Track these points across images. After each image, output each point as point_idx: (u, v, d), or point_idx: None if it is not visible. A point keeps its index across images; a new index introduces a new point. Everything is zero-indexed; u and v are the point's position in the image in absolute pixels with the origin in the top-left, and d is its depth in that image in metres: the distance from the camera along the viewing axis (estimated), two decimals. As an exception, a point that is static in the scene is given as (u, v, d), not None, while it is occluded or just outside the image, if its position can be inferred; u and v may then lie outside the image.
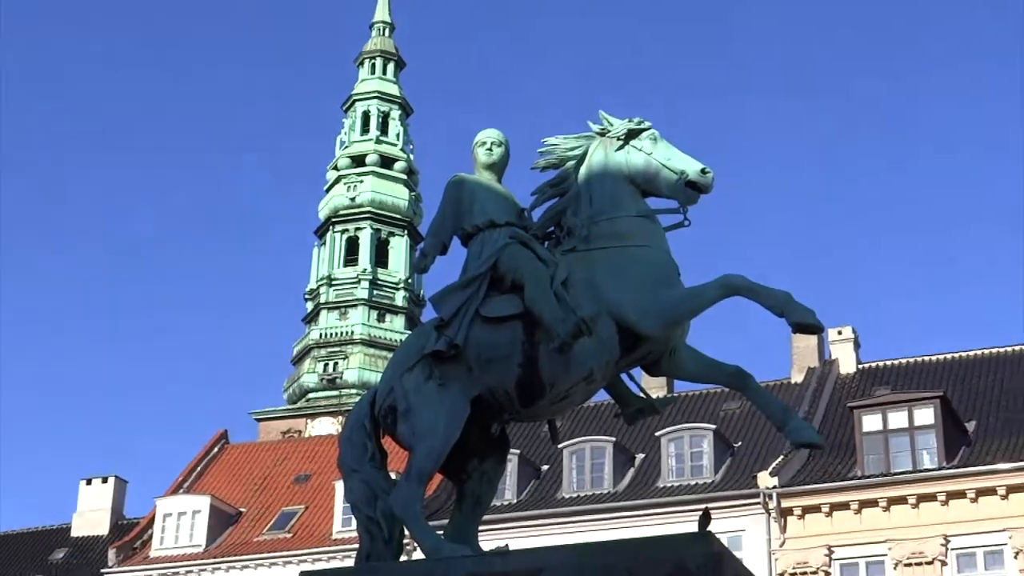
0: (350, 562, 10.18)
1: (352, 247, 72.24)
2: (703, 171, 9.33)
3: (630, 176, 9.50)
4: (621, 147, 9.58)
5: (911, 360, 43.72)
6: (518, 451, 37.76)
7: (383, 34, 77.54)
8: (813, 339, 41.77)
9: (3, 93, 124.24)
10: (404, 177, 74.04)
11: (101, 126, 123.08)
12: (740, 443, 40.46)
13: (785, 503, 37.16)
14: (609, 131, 9.66)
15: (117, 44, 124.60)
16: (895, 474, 36.70)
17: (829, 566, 36.61)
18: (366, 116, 75.00)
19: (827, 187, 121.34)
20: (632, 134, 9.58)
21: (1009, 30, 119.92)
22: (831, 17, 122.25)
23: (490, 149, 9.94)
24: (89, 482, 51.51)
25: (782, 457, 37.74)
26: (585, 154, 9.67)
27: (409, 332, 55.66)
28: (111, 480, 51.38)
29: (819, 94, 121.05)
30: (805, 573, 36.55)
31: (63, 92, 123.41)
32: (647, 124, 9.62)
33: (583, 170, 9.64)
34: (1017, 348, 42.52)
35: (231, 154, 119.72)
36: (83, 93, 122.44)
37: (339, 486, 39.50)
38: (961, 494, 36.02)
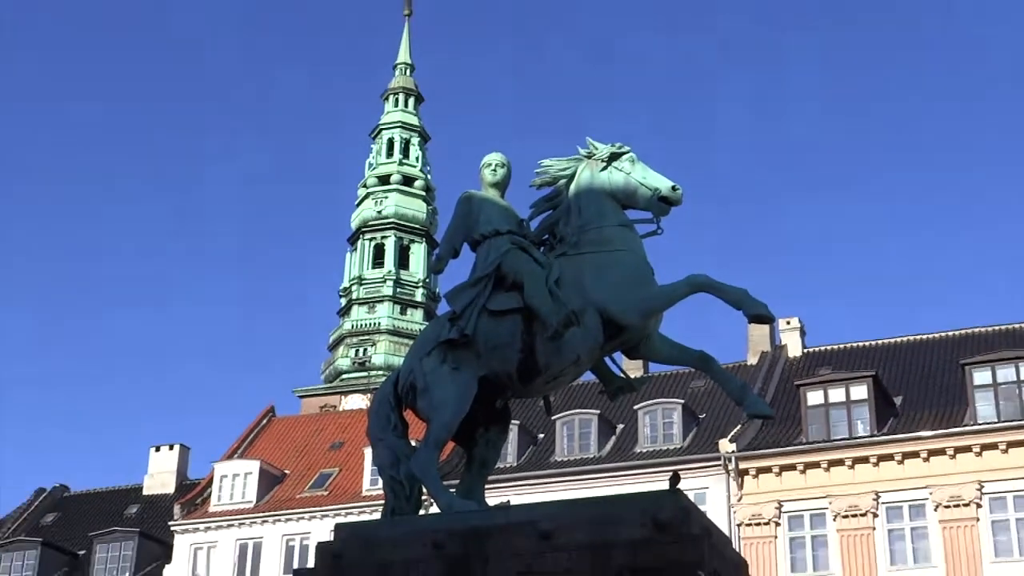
0: (378, 515, 10.19)
1: (379, 252, 72.30)
2: (673, 188, 9.38)
3: (612, 192, 9.53)
4: (604, 168, 9.61)
5: (848, 345, 43.75)
6: (518, 422, 37.74)
7: (405, 73, 77.52)
8: (766, 328, 41.73)
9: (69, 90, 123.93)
10: (423, 193, 74.10)
11: (187, 142, 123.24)
12: (704, 415, 40.45)
13: (742, 465, 37.16)
14: (594, 154, 9.70)
15: (186, 78, 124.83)
16: (834, 440, 36.69)
17: (779, 518, 36.63)
18: (391, 142, 75.01)
19: (781, 198, 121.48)
20: (614, 157, 9.62)
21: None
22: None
23: (495, 170, 9.99)
24: (158, 449, 51.56)
25: (740, 426, 37.73)
26: (574, 174, 9.71)
27: (427, 323, 55.85)
28: (176, 447, 51.42)
29: (772, 96, 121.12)
30: (759, 524, 36.56)
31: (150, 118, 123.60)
32: (627, 148, 9.67)
33: (573, 187, 9.67)
34: (937, 335, 42.56)
35: (278, 176, 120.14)
36: (168, 113, 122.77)
37: (368, 452, 39.57)
38: (890, 457, 36.03)
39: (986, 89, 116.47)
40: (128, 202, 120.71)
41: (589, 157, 9.72)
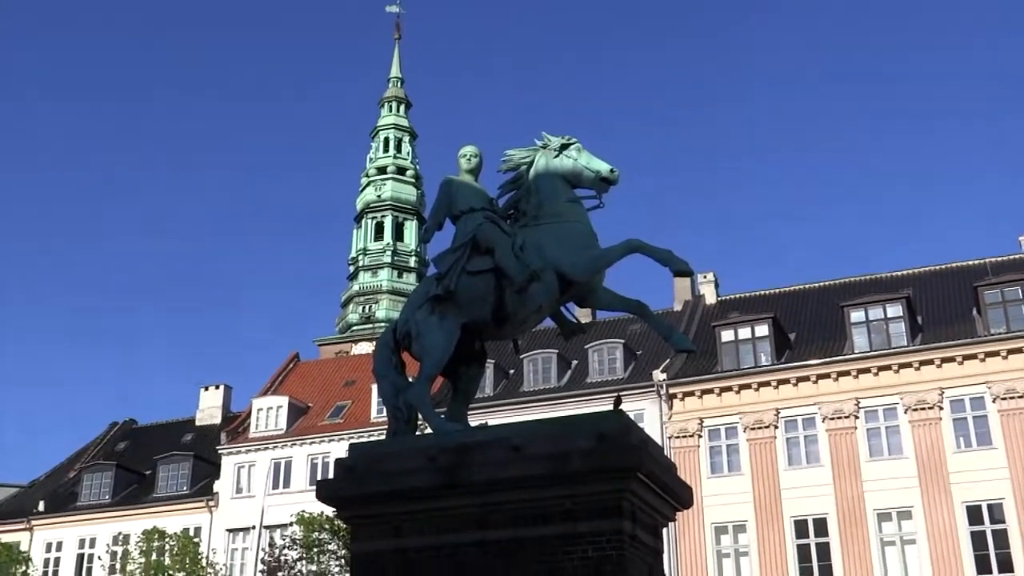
0: (383, 437, 10.19)
1: (379, 228, 72.12)
2: (611, 171, 9.33)
3: (563, 175, 9.47)
4: (557, 155, 9.54)
5: (752, 294, 43.91)
6: (493, 360, 37.82)
7: (397, 85, 77.12)
8: (687, 280, 41.90)
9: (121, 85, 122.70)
10: (413, 180, 73.85)
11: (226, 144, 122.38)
12: (641, 351, 40.59)
13: (671, 390, 37.33)
14: (548, 145, 9.64)
15: (225, 84, 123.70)
16: (743, 369, 36.88)
17: (701, 431, 36.83)
18: (387, 140, 74.69)
19: (695, 177, 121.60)
20: (564, 146, 9.56)
21: None
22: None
23: (469, 159, 9.93)
24: (207, 388, 51.40)
25: (669, 360, 37.89)
26: (533, 161, 9.64)
27: (419, 283, 55.62)
28: (221, 387, 51.25)
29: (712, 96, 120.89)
30: (685, 436, 36.74)
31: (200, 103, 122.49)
32: (574, 140, 9.60)
33: (531, 172, 9.60)
34: (821, 284, 42.78)
35: (300, 168, 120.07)
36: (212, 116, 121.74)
37: (374, 388, 39.53)
38: (787, 381, 36.25)
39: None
40: (208, 190, 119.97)
41: (544, 147, 9.64)
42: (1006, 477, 33.09)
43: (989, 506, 33.14)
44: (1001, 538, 32.67)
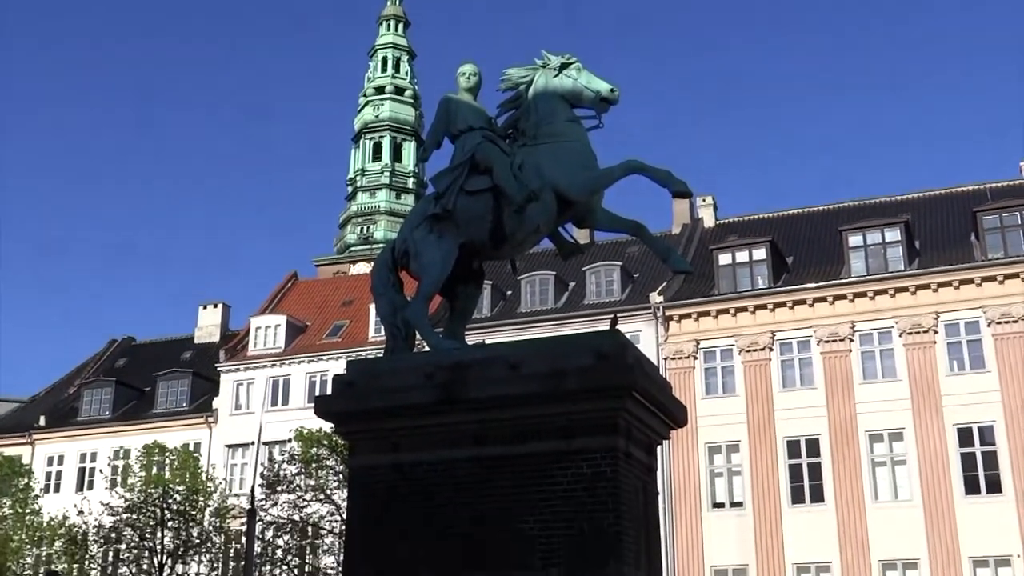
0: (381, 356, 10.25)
1: (377, 149, 71.75)
2: (612, 90, 9.24)
3: (562, 94, 9.39)
4: (556, 75, 9.45)
5: (751, 217, 43.81)
6: (490, 281, 37.86)
7: (395, 3, 76.16)
8: (686, 203, 41.78)
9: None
10: (411, 100, 73.28)
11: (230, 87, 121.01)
12: (638, 274, 40.63)
13: (668, 312, 37.45)
14: (548, 64, 9.54)
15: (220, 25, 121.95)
16: (739, 292, 36.98)
17: (697, 353, 37.04)
18: (385, 59, 73.94)
19: (695, 99, 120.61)
20: (564, 65, 9.47)
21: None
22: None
23: (468, 78, 9.84)
24: (205, 306, 51.50)
25: (666, 283, 37.94)
26: (532, 80, 9.55)
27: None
28: (220, 305, 51.34)
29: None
30: (681, 358, 36.95)
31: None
32: (575, 59, 9.50)
33: (531, 91, 9.52)
34: (819, 208, 42.69)
35: (298, 87, 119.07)
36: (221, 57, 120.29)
37: (372, 308, 39.69)
38: (783, 304, 36.36)
39: None
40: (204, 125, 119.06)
41: (544, 66, 9.54)
42: (998, 400, 33.40)
43: (980, 428, 33.49)
44: (991, 460, 33.09)
